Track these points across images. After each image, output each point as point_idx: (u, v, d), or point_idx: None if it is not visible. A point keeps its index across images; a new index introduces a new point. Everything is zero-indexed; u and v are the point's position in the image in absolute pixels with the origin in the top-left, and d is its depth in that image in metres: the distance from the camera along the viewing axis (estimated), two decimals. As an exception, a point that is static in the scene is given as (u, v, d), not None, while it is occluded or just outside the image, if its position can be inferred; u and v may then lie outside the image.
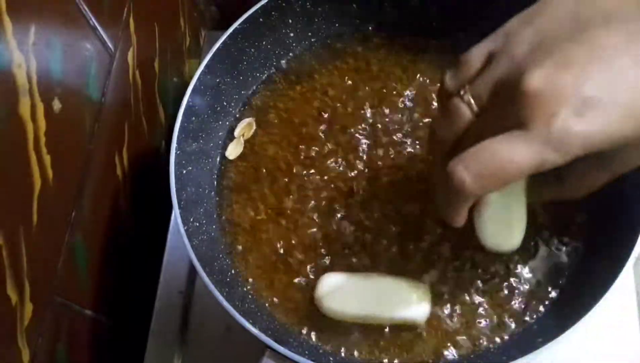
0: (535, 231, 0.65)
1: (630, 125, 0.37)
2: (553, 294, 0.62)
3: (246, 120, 0.74)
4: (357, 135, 0.72)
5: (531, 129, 0.37)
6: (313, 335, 0.62)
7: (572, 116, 0.36)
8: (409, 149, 0.70)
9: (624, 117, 0.37)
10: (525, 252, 0.64)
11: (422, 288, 0.61)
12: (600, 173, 0.47)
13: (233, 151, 0.73)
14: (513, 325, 0.61)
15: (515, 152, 0.38)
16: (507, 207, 0.59)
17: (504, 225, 0.61)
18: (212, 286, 0.56)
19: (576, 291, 0.61)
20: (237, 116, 0.75)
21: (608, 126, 0.37)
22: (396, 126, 0.71)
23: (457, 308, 0.62)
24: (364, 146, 0.71)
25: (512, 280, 0.63)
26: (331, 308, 0.60)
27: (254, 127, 0.74)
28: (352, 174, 0.69)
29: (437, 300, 0.62)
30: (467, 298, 0.62)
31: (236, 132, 0.74)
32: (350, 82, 0.75)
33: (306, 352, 0.59)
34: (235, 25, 0.70)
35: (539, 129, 0.37)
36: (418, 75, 0.75)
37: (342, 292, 0.60)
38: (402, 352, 0.61)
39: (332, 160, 0.70)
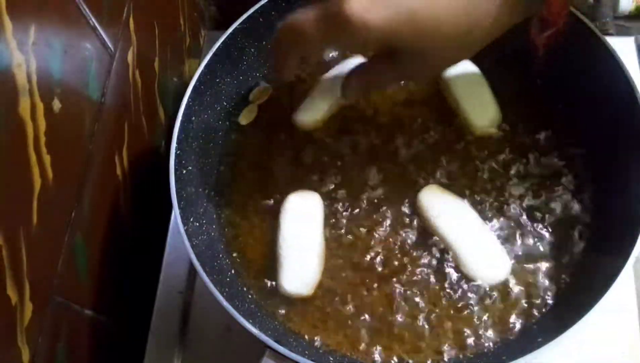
0: (536, 231, 0.65)
1: (402, 23, 0.49)
2: (553, 294, 0.62)
3: (262, 85, 0.75)
4: (356, 137, 0.72)
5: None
6: (311, 334, 0.62)
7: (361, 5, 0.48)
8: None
9: (398, 15, 0.49)
10: (526, 253, 0.64)
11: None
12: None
13: (245, 116, 0.74)
14: (513, 325, 0.61)
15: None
16: (476, 238, 0.62)
17: (485, 256, 0.62)
18: (212, 286, 0.56)
19: (576, 291, 0.61)
20: (237, 115, 0.75)
21: (384, 18, 0.48)
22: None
23: (457, 308, 0.62)
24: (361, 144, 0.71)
25: (512, 280, 0.63)
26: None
27: (270, 92, 0.75)
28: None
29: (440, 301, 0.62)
30: (468, 298, 0.62)
31: (251, 97, 0.74)
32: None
33: (306, 352, 0.59)
34: (235, 25, 0.70)
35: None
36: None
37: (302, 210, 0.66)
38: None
39: (331, 159, 0.71)
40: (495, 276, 0.62)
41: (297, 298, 0.63)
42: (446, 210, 0.64)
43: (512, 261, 0.63)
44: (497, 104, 0.70)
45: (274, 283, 0.64)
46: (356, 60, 0.73)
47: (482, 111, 0.70)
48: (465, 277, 0.63)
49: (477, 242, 0.63)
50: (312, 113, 0.72)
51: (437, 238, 0.64)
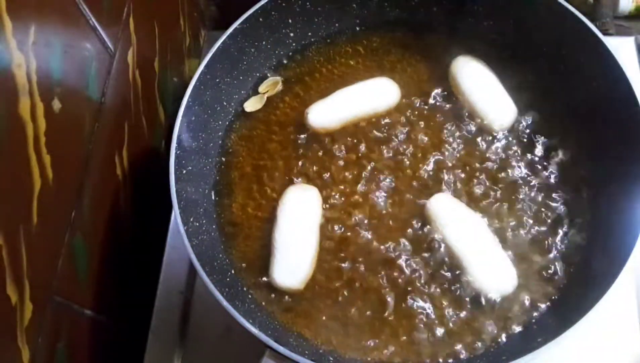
0: (536, 232, 0.65)
1: None
2: (553, 294, 0.62)
3: (272, 78, 0.75)
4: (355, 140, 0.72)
5: None
6: (311, 333, 0.62)
7: None
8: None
9: None
10: (526, 253, 0.64)
11: None
12: None
13: (252, 104, 0.74)
14: (513, 325, 0.61)
15: None
16: (484, 250, 0.62)
17: (492, 268, 0.62)
18: (212, 286, 0.56)
19: (576, 291, 0.61)
20: (237, 115, 0.75)
21: None
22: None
23: (456, 308, 0.62)
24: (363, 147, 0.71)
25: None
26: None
27: (280, 86, 0.75)
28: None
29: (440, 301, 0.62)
30: (468, 299, 0.62)
31: (260, 89, 0.75)
32: (350, 80, 0.75)
33: (306, 352, 0.59)
34: (235, 25, 0.70)
35: None
36: (418, 73, 0.75)
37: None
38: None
39: (330, 163, 0.70)
40: (502, 289, 0.61)
41: (289, 292, 0.63)
42: (455, 219, 0.63)
43: (514, 262, 0.63)
44: (512, 101, 0.70)
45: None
46: (383, 80, 0.73)
47: (500, 109, 0.70)
48: (466, 282, 0.62)
49: (484, 254, 0.62)
50: (327, 118, 0.71)
51: (443, 245, 0.64)
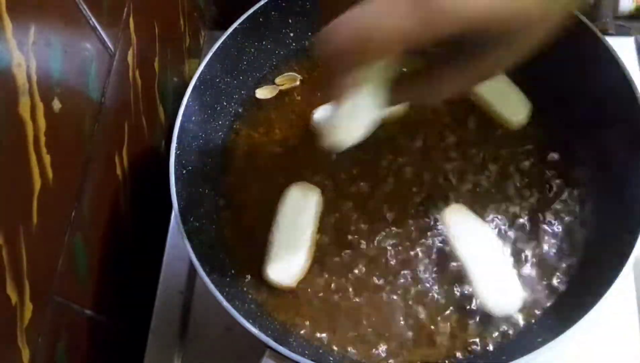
0: (536, 232, 0.65)
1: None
2: (553, 294, 0.62)
3: (291, 73, 0.76)
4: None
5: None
6: (313, 333, 0.62)
7: None
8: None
9: None
10: (526, 253, 0.64)
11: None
12: (467, 70, 0.45)
13: (263, 92, 0.75)
14: (513, 325, 0.61)
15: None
16: (492, 266, 0.61)
17: (499, 286, 0.61)
18: (212, 286, 0.56)
19: (576, 291, 0.61)
20: (237, 115, 0.75)
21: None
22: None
23: (456, 308, 0.62)
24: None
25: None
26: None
27: (297, 82, 0.75)
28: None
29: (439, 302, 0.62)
30: (470, 302, 0.62)
31: (277, 80, 0.75)
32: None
33: (306, 352, 0.59)
34: (235, 25, 0.70)
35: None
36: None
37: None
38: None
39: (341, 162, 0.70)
40: (506, 308, 0.61)
41: (281, 288, 0.64)
42: (467, 233, 0.63)
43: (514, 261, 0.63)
44: (525, 97, 0.70)
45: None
46: None
47: (515, 105, 0.70)
48: (471, 294, 0.62)
49: (492, 271, 0.61)
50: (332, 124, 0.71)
51: (451, 255, 0.64)
